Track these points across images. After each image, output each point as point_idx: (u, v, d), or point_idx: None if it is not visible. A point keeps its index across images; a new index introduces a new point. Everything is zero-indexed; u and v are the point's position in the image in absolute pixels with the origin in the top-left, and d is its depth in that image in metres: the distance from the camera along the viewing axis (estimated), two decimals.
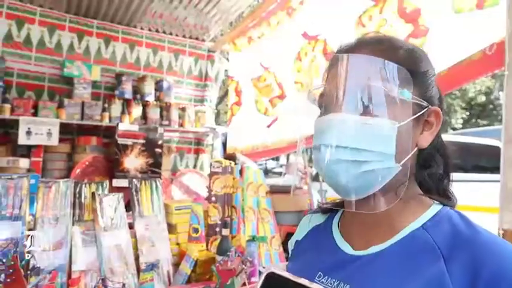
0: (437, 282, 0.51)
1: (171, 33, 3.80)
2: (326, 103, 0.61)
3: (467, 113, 14.20)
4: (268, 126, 3.23)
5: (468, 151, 4.27)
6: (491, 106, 14.23)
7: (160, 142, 3.11)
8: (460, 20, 1.73)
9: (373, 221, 0.61)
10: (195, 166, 3.88)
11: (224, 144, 4.00)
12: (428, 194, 0.63)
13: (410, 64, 0.59)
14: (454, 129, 12.51)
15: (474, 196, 2.96)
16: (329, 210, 0.73)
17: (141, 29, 3.64)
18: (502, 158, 1.42)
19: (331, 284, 0.60)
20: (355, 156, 0.56)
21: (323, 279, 0.62)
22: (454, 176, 0.67)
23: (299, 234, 0.77)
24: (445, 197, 0.64)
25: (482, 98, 13.93)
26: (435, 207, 0.61)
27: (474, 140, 4.66)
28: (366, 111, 0.57)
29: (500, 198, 1.42)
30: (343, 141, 0.56)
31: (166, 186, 2.94)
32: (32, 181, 1.44)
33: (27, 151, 2.90)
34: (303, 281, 0.38)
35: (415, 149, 0.60)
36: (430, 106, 0.60)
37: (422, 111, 0.60)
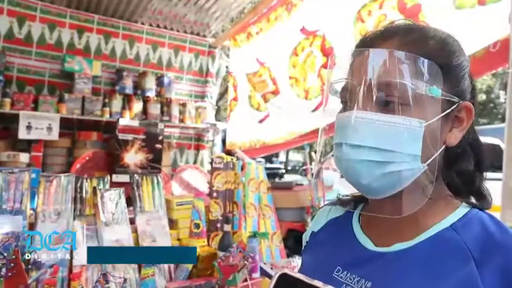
0: (468, 285, 0.49)
1: (171, 29, 3.79)
2: (349, 98, 0.57)
3: None
4: (260, 122, 3.22)
5: None
6: (491, 105, 14.21)
7: (160, 138, 3.10)
8: (462, 16, 1.71)
9: (397, 218, 0.57)
10: (195, 162, 3.88)
11: (224, 141, 4.00)
12: (456, 194, 0.59)
13: (442, 57, 0.56)
14: None
15: None
16: (349, 203, 0.70)
17: (142, 24, 3.63)
18: (504, 157, 1.42)
19: (351, 279, 0.58)
20: (378, 157, 0.53)
21: (342, 274, 0.59)
22: None
23: (315, 226, 0.73)
24: (479, 196, 0.60)
25: (482, 97, 13.90)
26: (464, 208, 0.57)
27: None
28: (391, 109, 0.53)
29: (502, 196, 1.42)
30: (366, 141, 0.53)
31: (167, 182, 2.94)
32: (33, 175, 1.44)
33: (28, 146, 2.89)
34: (316, 282, 0.37)
35: (443, 147, 0.57)
36: (461, 101, 0.56)
37: (452, 108, 0.56)
